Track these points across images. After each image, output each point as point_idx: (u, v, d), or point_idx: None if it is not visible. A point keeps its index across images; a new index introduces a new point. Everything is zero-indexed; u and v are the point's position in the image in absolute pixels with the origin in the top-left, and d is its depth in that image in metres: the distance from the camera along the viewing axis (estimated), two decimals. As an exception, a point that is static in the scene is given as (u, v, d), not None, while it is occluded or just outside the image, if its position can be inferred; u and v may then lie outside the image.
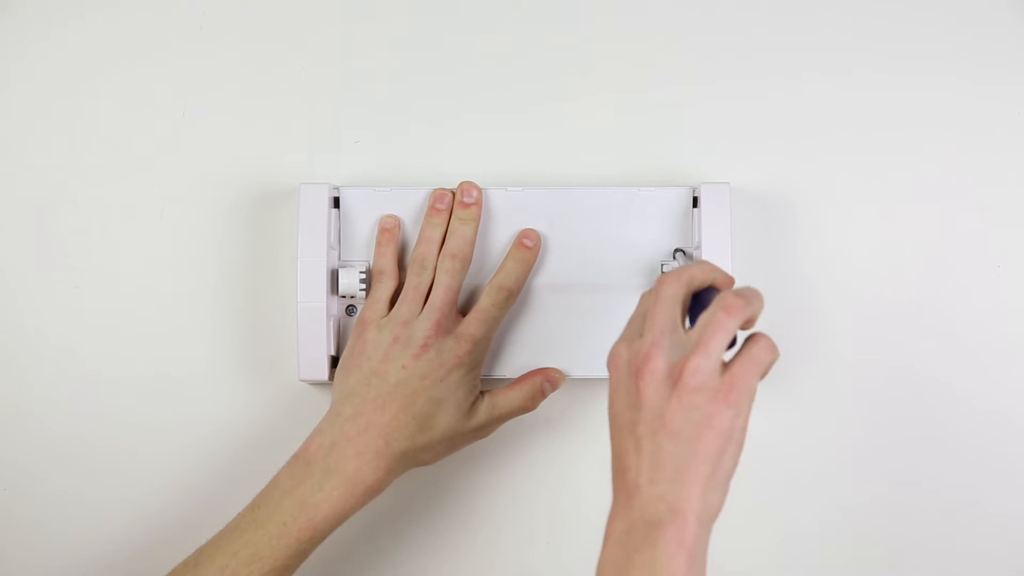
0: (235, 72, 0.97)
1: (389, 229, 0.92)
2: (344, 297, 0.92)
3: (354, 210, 0.93)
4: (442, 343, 0.87)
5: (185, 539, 0.88)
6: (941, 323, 0.95)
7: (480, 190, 0.92)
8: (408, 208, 0.93)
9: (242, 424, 0.95)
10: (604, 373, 0.91)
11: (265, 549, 0.83)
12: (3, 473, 0.96)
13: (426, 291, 0.89)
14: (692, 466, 0.69)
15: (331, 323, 0.91)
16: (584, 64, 0.97)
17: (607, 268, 0.93)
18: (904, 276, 0.95)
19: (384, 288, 0.91)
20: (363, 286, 0.91)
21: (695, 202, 0.93)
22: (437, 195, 0.92)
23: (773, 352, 0.71)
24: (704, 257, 0.89)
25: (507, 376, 0.92)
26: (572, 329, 0.93)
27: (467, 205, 0.91)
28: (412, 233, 0.93)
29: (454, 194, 0.92)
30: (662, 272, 0.90)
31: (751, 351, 0.71)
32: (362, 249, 0.93)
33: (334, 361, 0.92)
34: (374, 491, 0.85)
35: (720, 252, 0.89)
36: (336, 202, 0.93)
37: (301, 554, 0.84)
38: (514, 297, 0.91)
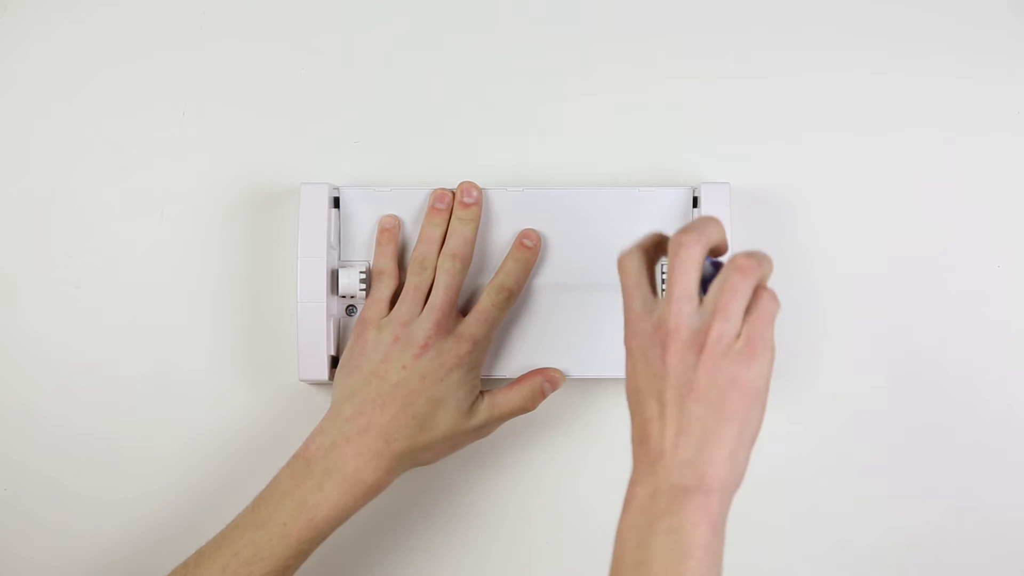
0: (235, 72, 0.97)
1: (389, 229, 0.92)
2: (344, 297, 0.92)
3: (354, 210, 0.93)
4: (442, 343, 0.87)
5: (185, 538, 0.88)
6: (941, 323, 0.95)
7: (480, 190, 0.92)
8: (408, 208, 0.93)
9: (242, 424, 0.95)
10: (604, 373, 0.92)
11: (266, 549, 0.83)
12: (3, 472, 0.96)
13: (426, 291, 0.89)
14: (720, 429, 0.70)
15: (331, 323, 0.91)
16: (584, 64, 0.96)
17: (607, 268, 0.92)
18: (904, 276, 0.95)
19: (384, 288, 0.91)
20: (363, 286, 0.91)
21: (695, 202, 0.93)
22: (437, 195, 0.92)
23: (777, 301, 0.73)
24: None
25: (507, 376, 0.92)
26: (572, 329, 0.93)
27: (467, 205, 0.91)
28: (412, 233, 0.93)
29: (454, 194, 0.92)
30: (662, 272, 0.90)
31: (760, 306, 0.72)
32: (362, 249, 0.93)
33: (334, 361, 0.92)
34: (374, 491, 0.85)
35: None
36: (336, 202, 0.93)
37: (302, 554, 0.84)
38: (514, 297, 0.91)
